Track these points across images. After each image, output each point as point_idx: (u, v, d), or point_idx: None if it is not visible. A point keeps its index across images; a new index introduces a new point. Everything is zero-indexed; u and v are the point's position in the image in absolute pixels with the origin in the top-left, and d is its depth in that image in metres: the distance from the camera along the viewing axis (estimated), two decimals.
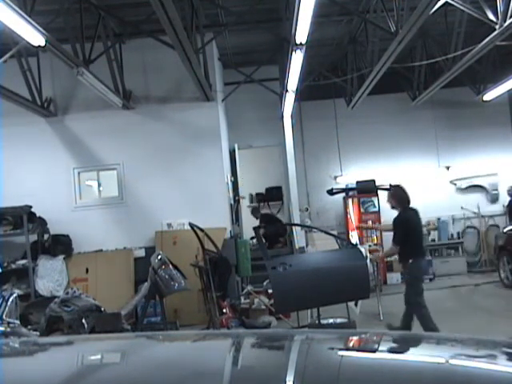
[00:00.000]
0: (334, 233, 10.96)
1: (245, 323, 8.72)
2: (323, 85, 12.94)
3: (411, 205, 7.46)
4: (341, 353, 1.74)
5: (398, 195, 7.45)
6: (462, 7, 8.69)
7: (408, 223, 7.25)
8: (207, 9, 9.76)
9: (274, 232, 12.94)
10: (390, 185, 13.47)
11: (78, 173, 10.76)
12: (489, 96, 12.82)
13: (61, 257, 10.13)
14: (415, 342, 1.86)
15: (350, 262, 7.40)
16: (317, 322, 7.75)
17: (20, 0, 6.81)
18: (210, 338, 2.28)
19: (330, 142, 14.05)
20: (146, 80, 10.82)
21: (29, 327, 7.53)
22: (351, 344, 1.89)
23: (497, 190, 14.25)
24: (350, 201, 13.96)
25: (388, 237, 13.41)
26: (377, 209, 13.69)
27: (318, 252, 8.18)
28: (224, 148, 11.36)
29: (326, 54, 12.47)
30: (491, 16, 8.34)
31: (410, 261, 7.11)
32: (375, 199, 13.69)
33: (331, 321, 8.03)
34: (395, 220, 7.40)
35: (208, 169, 10.64)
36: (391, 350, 1.74)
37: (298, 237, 12.04)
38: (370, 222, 13.15)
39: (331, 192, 13.73)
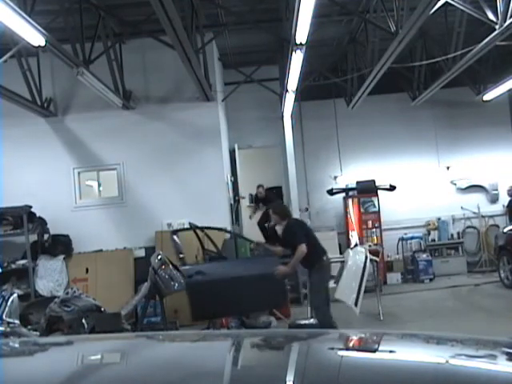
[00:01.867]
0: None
1: (245, 323, 8.73)
2: (323, 85, 12.94)
3: None
4: (341, 353, 1.74)
5: (279, 211, 7.47)
6: (461, 7, 8.69)
7: (303, 225, 7.35)
8: (207, 9, 9.76)
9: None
10: (390, 185, 13.53)
11: (78, 173, 10.77)
12: (489, 96, 12.82)
13: (61, 257, 10.13)
14: (415, 341, 1.86)
15: (264, 270, 7.41)
16: (296, 322, 7.80)
17: (20, 0, 6.82)
18: (210, 338, 2.28)
19: (329, 142, 14.04)
20: (146, 80, 10.82)
21: (29, 327, 7.54)
22: (351, 344, 1.89)
23: (497, 190, 14.25)
24: (349, 201, 13.96)
25: (389, 236, 13.56)
26: (377, 209, 13.69)
27: (235, 260, 8.21)
28: (224, 148, 11.37)
29: (326, 54, 12.47)
30: (491, 16, 8.35)
31: (324, 258, 7.15)
32: (375, 199, 13.69)
33: (312, 321, 8.04)
34: (290, 227, 7.27)
35: (208, 169, 10.64)
36: (391, 350, 1.74)
37: None
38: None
39: (331, 192, 13.73)
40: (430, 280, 12.98)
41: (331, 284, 10.42)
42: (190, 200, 10.45)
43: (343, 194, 14.00)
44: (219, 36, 10.93)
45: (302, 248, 6.79)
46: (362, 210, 13.72)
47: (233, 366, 1.64)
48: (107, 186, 11.08)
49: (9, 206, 9.72)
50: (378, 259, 9.85)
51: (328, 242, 13.14)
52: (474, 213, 14.24)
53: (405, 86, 13.58)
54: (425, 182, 14.10)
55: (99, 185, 11.22)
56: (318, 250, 7.19)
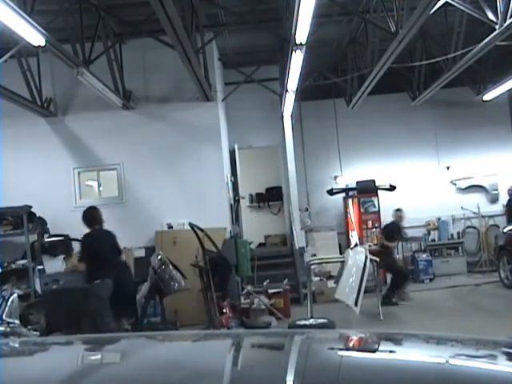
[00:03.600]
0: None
1: (245, 323, 8.73)
2: (323, 85, 12.94)
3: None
4: (341, 353, 1.74)
5: (88, 216, 7.49)
6: (461, 7, 8.69)
7: (92, 243, 7.34)
8: (207, 9, 9.76)
9: None
10: (390, 185, 13.53)
11: (78, 173, 10.76)
12: (489, 96, 12.82)
13: (61, 257, 10.12)
14: (415, 341, 1.86)
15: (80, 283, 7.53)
16: (296, 322, 7.82)
17: (20, 0, 6.82)
18: (210, 337, 2.28)
19: (329, 142, 14.04)
20: (146, 80, 10.82)
21: (29, 327, 7.54)
22: (351, 344, 1.89)
23: (497, 190, 14.25)
24: (349, 201, 13.96)
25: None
26: (377, 209, 13.69)
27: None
28: (224, 148, 11.36)
29: (326, 54, 12.46)
30: (491, 16, 8.34)
31: (98, 281, 7.07)
32: (375, 199, 13.69)
33: (311, 321, 8.05)
34: (82, 239, 7.48)
35: (208, 169, 10.63)
36: (391, 350, 1.74)
37: (299, 237, 12.05)
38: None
39: (331, 192, 13.73)
40: (430, 280, 12.98)
41: (331, 284, 10.46)
42: (190, 200, 10.44)
43: (343, 194, 14.00)
44: (219, 36, 10.92)
45: (78, 266, 7.33)
46: (362, 209, 13.72)
47: (233, 366, 1.64)
48: (107, 186, 11.07)
49: (9, 205, 9.70)
50: (378, 259, 9.85)
51: (328, 241, 13.23)
52: (474, 213, 14.24)
53: (405, 86, 13.58)
54: (425, 182, 14.10)
55: (99, 185, 11.21)
56: (100, 268, 7.12)
